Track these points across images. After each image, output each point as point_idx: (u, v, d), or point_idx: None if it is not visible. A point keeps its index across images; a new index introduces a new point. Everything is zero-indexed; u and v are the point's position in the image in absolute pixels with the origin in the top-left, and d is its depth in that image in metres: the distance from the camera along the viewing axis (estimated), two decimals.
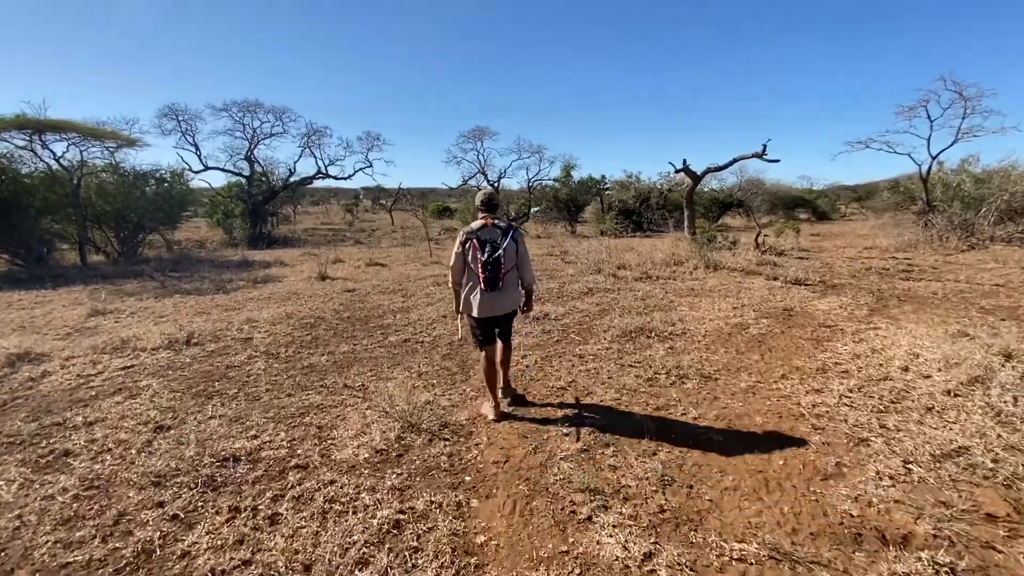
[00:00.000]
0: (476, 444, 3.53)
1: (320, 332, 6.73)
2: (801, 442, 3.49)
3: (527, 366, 5.14)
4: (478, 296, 3.52)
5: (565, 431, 3.68)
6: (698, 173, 12.86)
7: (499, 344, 3.89)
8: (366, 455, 3.42)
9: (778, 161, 11.85)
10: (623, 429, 3.71)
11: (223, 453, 3.47)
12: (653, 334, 6.12)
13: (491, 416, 3.78)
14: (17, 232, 11.85)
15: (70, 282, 10.98)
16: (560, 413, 4.00)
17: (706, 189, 28.99)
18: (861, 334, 5.92)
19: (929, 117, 14.28)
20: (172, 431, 3.86)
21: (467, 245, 3.47)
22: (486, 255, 3.39)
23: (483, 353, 3.73)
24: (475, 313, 3.57)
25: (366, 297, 9.05)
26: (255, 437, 3.73)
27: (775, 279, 9.50)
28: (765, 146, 11.92)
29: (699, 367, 4.96)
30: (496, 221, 3.54)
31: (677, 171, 12.78)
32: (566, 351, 5.66)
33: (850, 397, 4.18)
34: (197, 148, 21.01)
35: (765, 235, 13.97)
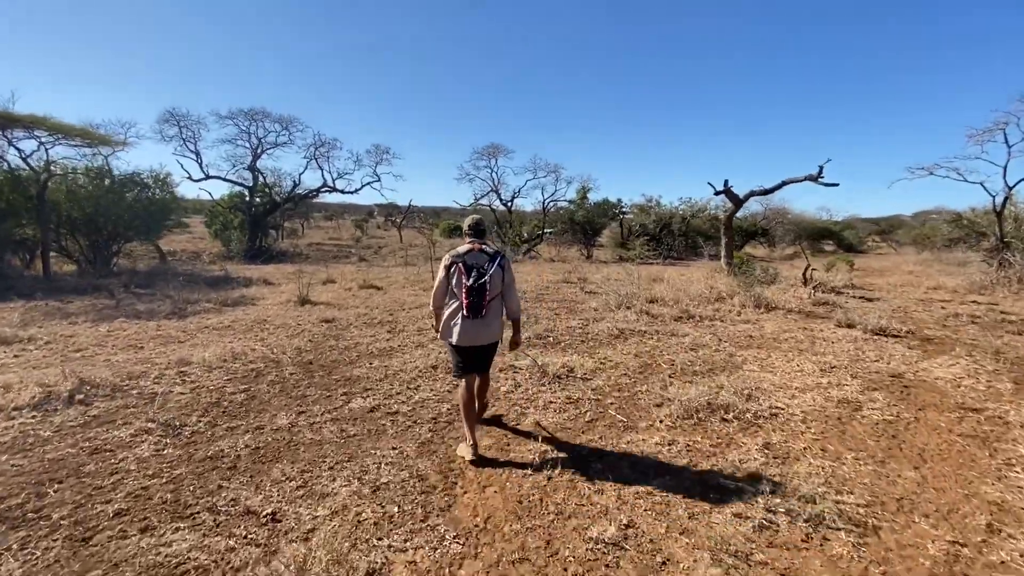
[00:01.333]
0: None
1: (262, 387, 4.80)
2: None
3: (549, 477, 3.16)
4: (459, 323, 3.27)
5: None
6: (740, 196, 10.98)
7: (476, 379, 3.55)
8: None
9: (836, 185, 9.88)
10: None
11: None
12: (731, 415, 4.11)
13: (468, 457, 3.32)
14: None
15: (15, 294, 9.19)
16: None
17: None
18: None
19: (1007, 142, 12.23)
20: None
21: (452, 269, 3.25)
22: (471, 280, 3.17)
23: (462, 382, 3.44)
24: (454, 341, 3.30)
25: (344, 331, 7.15)
26: None
27: (850, 326, 7.46)
28: (822, 168, 10.03)
29: (834, 496, 2.95)
30: (484, 246, 3.30)
31: (717, 192, 10.92)
32: (607, 443, 3.68)
33: None
34: (198, 156, 19.51)
35: (813, 269, 11.96)
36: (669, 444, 3.63)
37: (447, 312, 3.35)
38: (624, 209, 23.78)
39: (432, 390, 4.75)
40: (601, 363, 5.65)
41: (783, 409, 4.30)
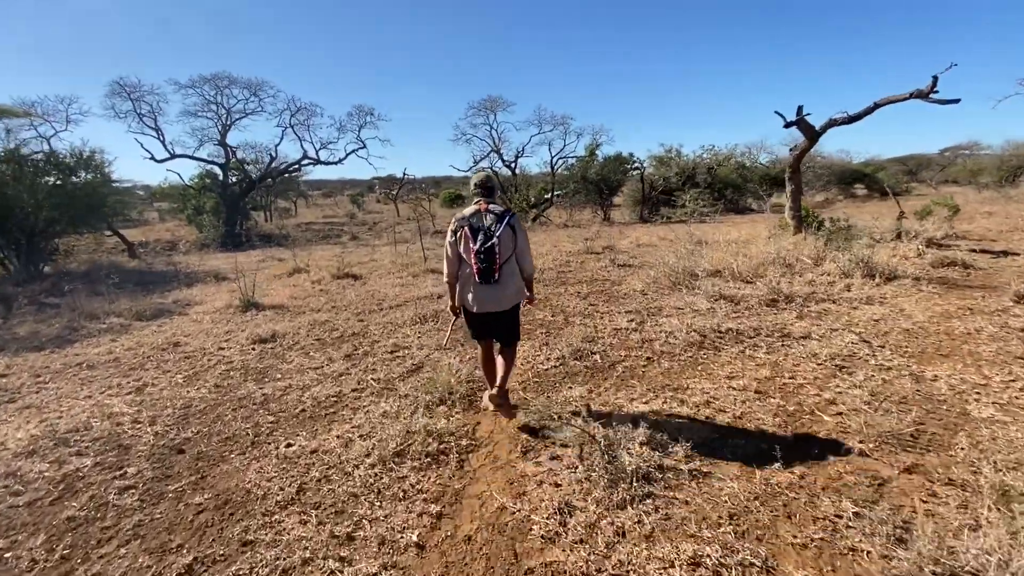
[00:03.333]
0: None
1: (21, 553, 2.26)
2: None
3: None
4: (472, 290, 2.93)
5: None
6: (817, 128, 8.09)
7: (499, 354, 3.15)
8: None
9: (958, 101, 6.93)
10: None
11: None
12: None
13: (487, 405, 3.14)
14: None
15: None
16: None
17: (755, 164, 23.88)
18: None
19: None
20: None
21: (459, 234, 2.89)
22: (479, 244, 2.80)
23: (480, 345, 3.19)
24: (472, 308, 2.97)
25: (280, 360, 4.59)
26: None
27: None
28: (936, 79, 7.09)
29: None
30: (491, 206, 2.88)
31: (788, 124, 8.02)
32: None
33: None
34: (159, 132, 16.68)
35: (904, 216, 9.13)
36: None
37: (460, 280, 2.98)
38: (636, 164, 20.63)
39: (402, 521, 2.18)
40: (698, 412, 3.04)
41: None
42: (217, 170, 17.68)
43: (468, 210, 2.92)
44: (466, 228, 2.85)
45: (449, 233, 2.94)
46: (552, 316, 5.52)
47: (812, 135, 8.27)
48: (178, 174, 16.86)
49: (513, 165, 20.58)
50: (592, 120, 58.53)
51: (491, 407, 3.11)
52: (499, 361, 3.14)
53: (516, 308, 3.09)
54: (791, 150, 8.98)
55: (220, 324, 5.96)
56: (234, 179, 17.80)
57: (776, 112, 8.06)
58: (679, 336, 4.45)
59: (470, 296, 2.94)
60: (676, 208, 16.66)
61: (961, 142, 40.24)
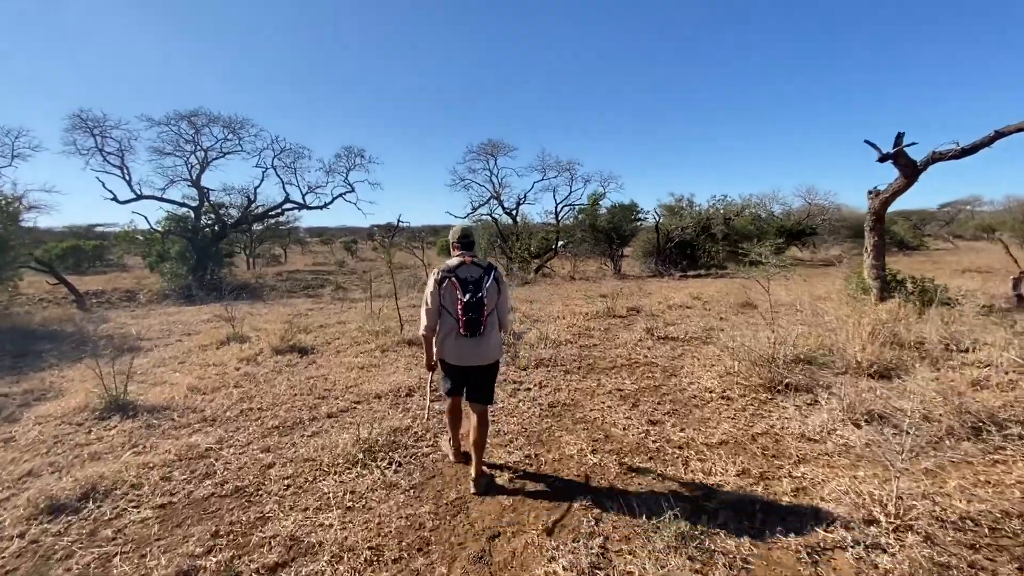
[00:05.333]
0: None
1: None
2: None
3: None
4: (454, 342, 2.74)
5: None
6: (918, 162, 5.96)
7: (474, 417, 2.83)
8: None
9: None
10: None
11: None
12: None
13: (451, 456, 3.04)
14: None
15: None
16: None
17: (769, 215, 21.98)
18: None
19: None
20: None
21: (444, 284, 2.72)
22: (468, 296, 2.65)
23: (449, 400, 2.95)
24: (454, 361, 2.77)
25: None
26: None
27: None
28: None
29: None
30: (475, 259, 2.80)
31: (883, 157, 5.89)
32: None
33: None
34: (125, 171, 14.64)
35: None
36: None
37: (440, 333, 2.81)
38: (640, 215, 18.56)
39: None
40: None
41: None
42: (189, 213, 15.56)
43: (453, 261, 2.77)
44: (453, 279, 2.70)
45: (432, 283, 2.75)
46: (592, 454, 3.10)
47: (912, 172, 6.12)
48: (144, 217, 14.52)
49: (514, 212, 18.58)
50: (599, 166, 57.03)
51: (450, 456, 2.96)
52: (472, 432, 2.82)
53: (496, 363, 2.86)
54: (871, 193, 6.81)
55: (59, 443, 3.50)
56: (207, 222, 15.64)
57: (867, 142, 5.97)
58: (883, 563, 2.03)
59: (452, 349, 2.76)
60: (744, 263, 14.26)
61: (961, 197, 39.02)
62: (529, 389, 4.38)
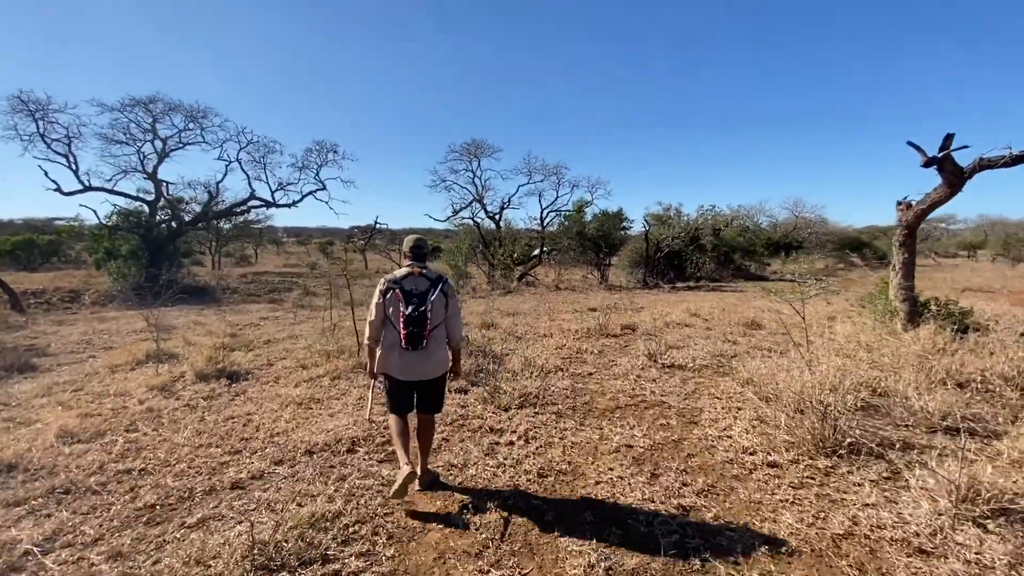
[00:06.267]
0: None
1: None
2: None
3: None
4: (397, 355, 2.61)
5: None
6: (965, 168, 5.13)
7: (420, 421, 2.77)
8: None
9: None
10: None
11: None
12: None
13: (399, 481, 2.44)
14: None
15: None
16: None
17: (757, 227, 21.35)
18: None
19: None
20: None
21: (389, 295, 2.61)
22: (410, 309, 2.54)
23: (393, 417, 2.70)
24: (398, 376, 2.63)
25: None
26: None
27: None
28: None
29: None
30: (424, 271, 2.67)
31: (928, 161, 5.02)
32: None
33: None
34: (72, 160, 13.16)
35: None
36: None
37: (383, 345, 2.67)
38: (626, 223, 17.68)
39: None
40: None
41: None
42: (143, 207, 14.11)
43: (400, 272, 2.67)
44: (398, 291, 2.59)
45: (377, 294, 2.64)
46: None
47: (958, 180, 5.26)
48: (94, 210, 13.02)
49: (498, 217, 17.52)
50: (586, 171, 55.98)
51: (397, 483, 2.47)
52: (418, 436, 2.78)
53: (443, 377, 2.76)
54: (900, 205, 5.96)
55: None
56: (163, 218, 14.22)
57: (910, 144, 5.09)
58: None
59: (396, 363, 2.63)
60: (753, 279, 13.29)
61: (935, 214, 39.38)
62: (512, 443, 3.31)
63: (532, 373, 4.85)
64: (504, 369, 4.96)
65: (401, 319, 2.54)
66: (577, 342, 6.42)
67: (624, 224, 17.46)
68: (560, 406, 4.02)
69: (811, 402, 3.23)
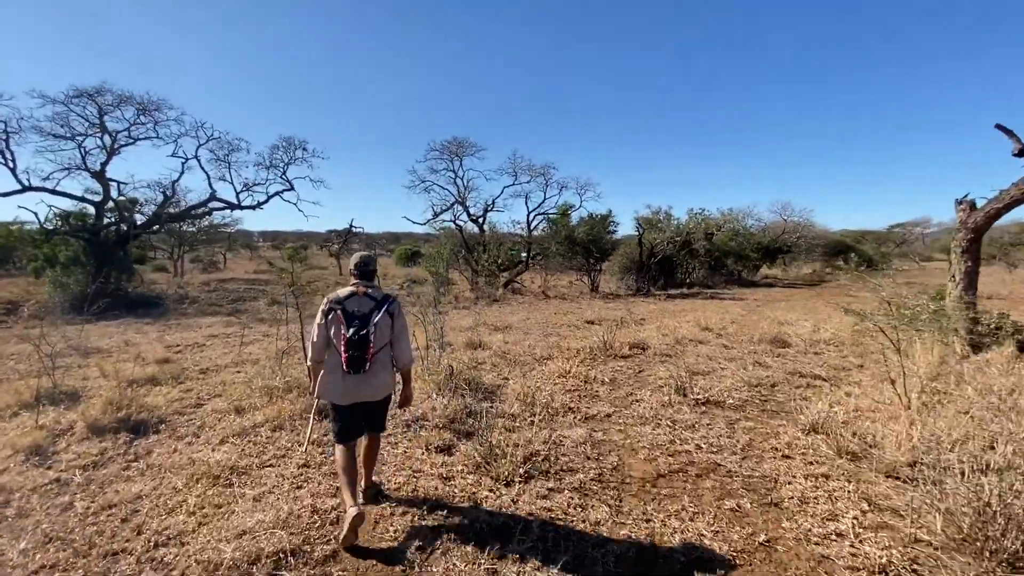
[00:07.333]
0: None
1: None
2: None
3: None
4: (340, 378, 2.43)
5: None
6: None
7: (365, 438, 2.64)
8: None
9: None
10: None
11: None
12: None
13: (346, 526, 2.20)
14: None
15: None
16: None
17: (747, 231, 20.63)
18: None
19: None
20: None
21: (331, 316, 2.43)
22: (351, 331, 2.36)
23: (340, 447, 2.46)
24: (339, 401, 2.46)
25: None
26: None
27: None
28: None
29: None
30: (368, 290, 2.49)
31: (1022, 150, 4.12)
32: None
33: None
34: (10, 158, 11.53)
35: None
36: None
37: (326, 366, 2.48)
38: (613, 226, 16.69)
39: None
40: None
41: None
42: (89, 209, 12.55)
43: (343, 291, 2.50)
44: (339, 311, 2.40)
45: (320, 314, 2.47)
46: None
47: None
48: (34, 213, 11.41)
49: (481, 220, 16.34)
50: (574, 172, 55.25)
51: (347, 520, 2.22)
52: (362, 453, 2.68)
53: (388, 399, 2.65)
54: (960, 204, 5.02)
55: None
56: (111, 221, 12.67)
57: (999, 127, 4.15)
58: None
59: (338, 387, 2.45)
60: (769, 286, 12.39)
61: (913, 218, 39.70)
62: (522, 557, 2.16)
63: (535, 416, 3.71)
64: (498, 412, 3.82)
65: (343, 342, 2.37)
66: (582, 367, 5.31)
67: (611, 227, 16.50)
68: (582, 475, 2.89)
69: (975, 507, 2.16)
